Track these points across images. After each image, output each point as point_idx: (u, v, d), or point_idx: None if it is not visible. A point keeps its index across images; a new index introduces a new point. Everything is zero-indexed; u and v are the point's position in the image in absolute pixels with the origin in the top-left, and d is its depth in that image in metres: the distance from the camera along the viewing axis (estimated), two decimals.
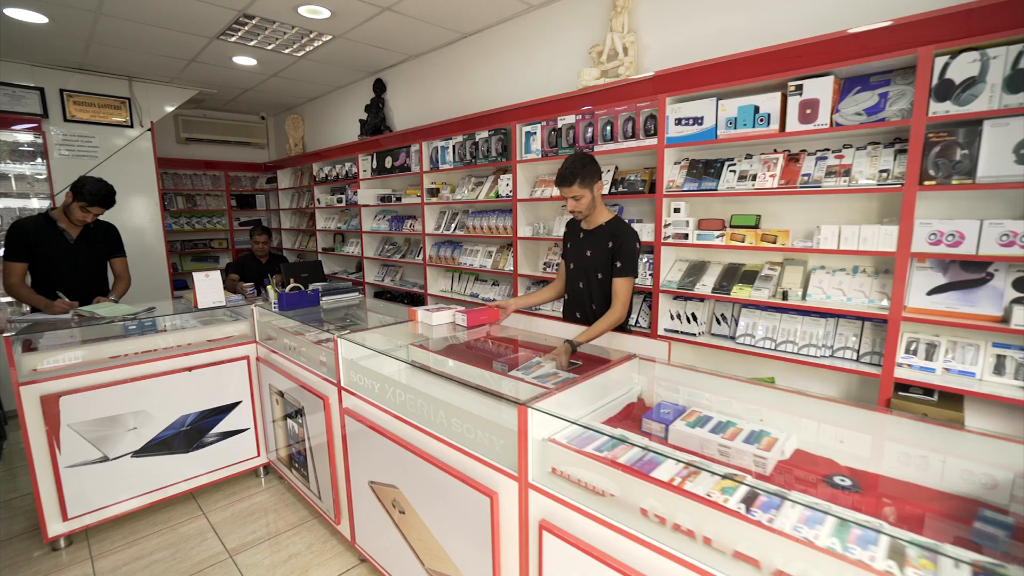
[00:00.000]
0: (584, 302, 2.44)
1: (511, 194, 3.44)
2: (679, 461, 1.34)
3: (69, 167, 4.58)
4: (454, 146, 3.82)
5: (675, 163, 2.73)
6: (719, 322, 2.71)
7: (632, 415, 1.77)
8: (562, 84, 3.31)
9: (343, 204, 5.15)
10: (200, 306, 2.99)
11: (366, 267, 4.96)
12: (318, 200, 5.53)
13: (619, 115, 2.82)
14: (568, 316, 2.54)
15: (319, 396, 2.41)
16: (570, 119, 3.05)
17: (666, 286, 2.74)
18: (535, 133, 3.25)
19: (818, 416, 1.69)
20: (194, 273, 2.99)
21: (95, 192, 2.94)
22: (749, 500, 1.20)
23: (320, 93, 5.65)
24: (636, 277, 2.26)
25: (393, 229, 4.62)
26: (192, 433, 2.86)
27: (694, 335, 2.73)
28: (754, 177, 2.41)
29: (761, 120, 2.32)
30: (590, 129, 2.98)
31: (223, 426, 2.99)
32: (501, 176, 3.53)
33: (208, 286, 3.03)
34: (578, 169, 2.15)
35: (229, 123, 6.32)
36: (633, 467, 1.36)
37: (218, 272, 3.08)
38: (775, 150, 2.45)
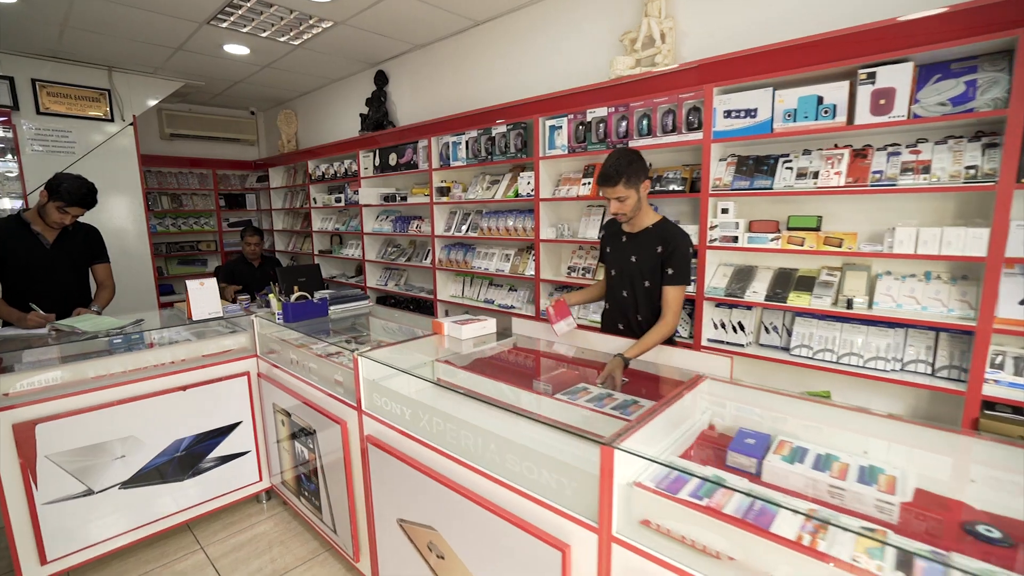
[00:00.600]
0: (628, 312, 2.21)
1: (533, 193, 3.20)
2: (797, 512, 1.12)
3: (43, 164, 4.21)
4: (467, 142, 3.56)
5: (719, 159, 2.52)
6: (768, 331, 2.50)
7: (709, 446, 1.54)
8: (588, 75, 3.08)
9: (342, 204, 4.86)
10: (195, 318, 2.69)
11: (368, 271, 4.68)
12: (314, 200, 5.23)
13: (658, 107, 2.59)
14: (609, 326, 2.31)
15: (335, 420, 2.14)
16: (601, 112, 2.81)
17: (711, 293, 2.53)
18: (560, 127, 3.01)
19: (920, 444, 1.48)
20: (188, 281, 2.69)
21: (73, 191, 2.64)
22: (905, 566, 0.99)
23: (315, 86, 5.34)
24: (689, 285, 2.05)
25: (397, 230, 4.34)
26: (188, 459, 2.57)
27: (741, 346, 2.52)
28: (815, 174, 2.21)
29: (825, 112, 2.11)
30: (624, 123, 2.76)
31: (222, 449, 2.71)
32: (521, 174, 3.28)
33: (203, 296, 2.74)
34: (624, 167, 1.94)
35: (217, 118, 5.97)
36: (745, 519, 1.14)
37: (213, 280, 2.79)
38: (835, 145, 2.25)
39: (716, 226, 2.48)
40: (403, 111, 4.45)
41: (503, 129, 3.32)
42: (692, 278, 2.55)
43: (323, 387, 2.25)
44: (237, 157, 6.33)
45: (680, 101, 2.52)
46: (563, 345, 2.40)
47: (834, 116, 2.09)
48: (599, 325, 2.98)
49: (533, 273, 3.31)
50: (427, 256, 4.15)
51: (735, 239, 2.43)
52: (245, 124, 6.23)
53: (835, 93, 2.09)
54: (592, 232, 3.07)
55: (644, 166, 2.01)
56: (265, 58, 4.36)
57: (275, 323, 2.66)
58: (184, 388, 2.54)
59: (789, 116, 2.20)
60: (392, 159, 4.20)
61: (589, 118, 2.86)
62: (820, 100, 2.12)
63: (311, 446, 2.38)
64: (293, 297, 2.67)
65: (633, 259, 2.13)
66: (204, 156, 6.01)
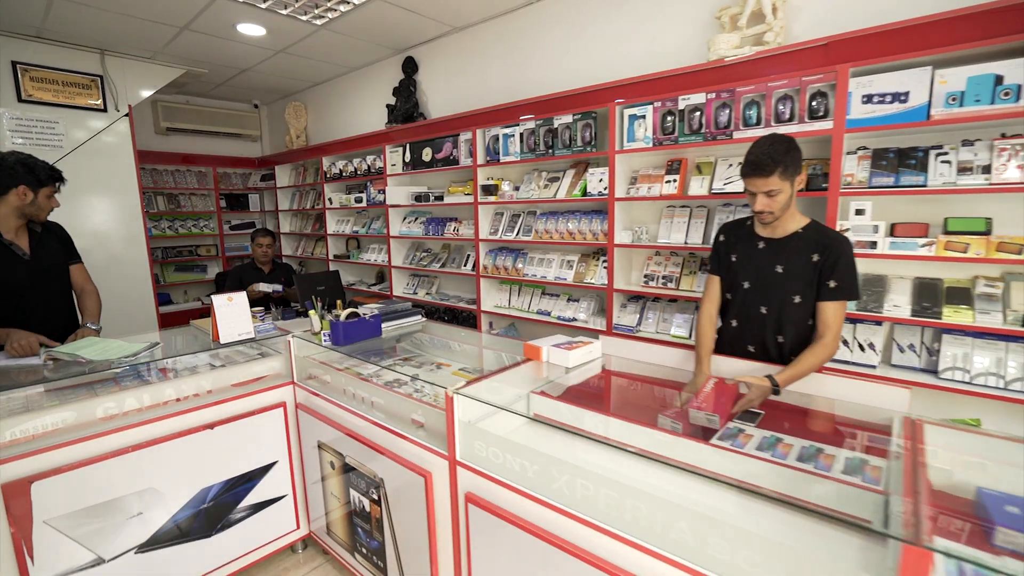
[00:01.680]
0: (766, 332, 1.85)
1: (606, 191, 2.81)
2: None
3: None
4: (522, 134, 3.16)
5: (846, 153, 2.17)
6: (902, 351, 2.16)
7: (944, 509, 1.17)
8: (675, 58, 2.71)
9: (363, 205, 4.41)
10: (223, 340, 2.25)
11: (394, 277, 4.24)
12: (329, 200, 4.76)
13: (773, 93, 2.23)
14: (733, 348, 1.94)
15: (417, 471, 1.72)
16: (697, 98, 2.44)
17: None
18: (643, 117, 2.63)
19: None
20: (214, 297, 2.24)
21: (50, 168, 2.22)
22: None
23: (330, 76, 4.88)
24: (858, 299, 1.69)
25: (431, 233, 3.92)
26: (216, 510, 2.13)
27: (872, 367, 2.17)
28: (985, 169, 1.86)
29: (1006, 95, 1.77)
30: (726, 111, 2.39)
31: (255, 495, 2.27)
32: (591, 170, 2.89)
33: (232, 314, 2.29)
34: (780, 154, 1.61)
35: (217, 111, 5.46)
36: None
37: (243, 296, 2.35)
38: (1003, 134, 1.91)
39: (848, 229, 2.13)
40: (436, 101, 4.03)
41: (568, 119, 2.93)
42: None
43: (393, 427, 1.83)
44: (239, 154, 5.82)
45: (804, 85, 2.16)
46: (665, 368, 2.02)
47: (1018, 98, 1.75)
48: (683, 340, 2.65)
49: (604, 282, 2.92)
50: (467, 262, 3.74)
51: (873, 244, 2.08)
52: (247, 118, 5.73)
53: (1019, 71, 1.75)
54: (677, 236, 2.70)
55: (801, 156, 1.66)
56: (281, 41, 3.90)
57: (316, 344, 2.25)
58: (211, 426, 2.10)
59: (954, 100, 1.85)
60: (426, 154, 3.78)
61: (683, 106, 2.49)
62: (999, 80, 1.78)
63: (375, 497, 1.95)
64: (343, 314, 2.24)
65: (779, 269, 1.77)
66: (203, 152, 5.50)
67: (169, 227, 5.25)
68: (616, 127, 2.72)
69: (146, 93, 4.25)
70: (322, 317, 2.35)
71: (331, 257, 4.89)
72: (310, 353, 2.37)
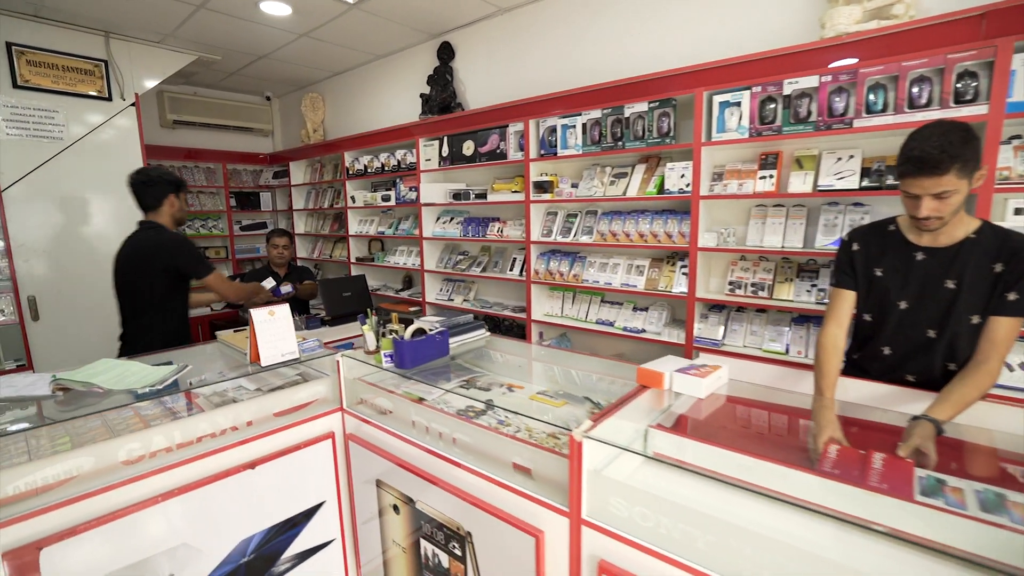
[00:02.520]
0: (934, 359, 1.53)
1: (689, 189, 2.50)
2: None
3: (21, 151, 3.33)
4: (584, 125, 2.84)
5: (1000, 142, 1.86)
6: None
7: None
8: (766, 38, 2.40)
9: (391, 203, 4.06)
10: (264, 362, 1.90)
11: (427, 282, 3.90)
12: (352, 198, 4.41)
13: (907, 74, 1.92)
14: (886, 374, 1.62)
15: (524, 529, 1.40)
16: (808, 82, 2.13)
17: None
18: (738, 103, 2.32)
19: None
20: (253, 311, 1.90)
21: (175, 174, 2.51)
22: None
23: (353, 64, 4.52)
24: None
25: (470, 234, 3.58)
26: (258, 564, 1.79)
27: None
28: None
29: None
30: (843, 96, 2.08)
31: (300, 543, 1.94)
32: (669, 164, 2.57)
33: (274, 331, 1.95)
34: (957, 147, 1.28)
35: (226, 103, 5.09)
36: None
37: (286, 308, 2.00)
38: None
39: None
40: (475, 91, 3.69)
41: (642, 107, 2.60)
42: None
43: (486, 472, 1.50)
44: (249, 149, 5.45)
45: (949, 63, 1.85)
46: (793, 394, 1.70)
47: None
48: (778, 355, 2.33)
49: (683, 290, 2.61)
50: (513, 266, 3.41)
51: None
52: (259, 111, 5.36)
53: None
54: (772, 239, 2.38)
55: (980, 147, 1.34)
56: (307, 23, 3.55)
57: (368, 364, 1.93)
58: (252, 465, 1.75)
59: None
60: (467, 148, 3.44)
61: (789, 91, 2.18)
62: None
63: (458, 552, 1.62)
64: (408, 332, 1.90)
65: (950, 284, 1.45)
66: (211, 147, 5.12)
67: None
68: (703, 116, 2.40)
69: (154, 81, 3.88)
70: (381, 334, 2.02)
71: (353, 260, 4.54)
72: (360, 374, 2.04)
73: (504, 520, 1.43)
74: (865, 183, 2.14)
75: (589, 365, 2.21)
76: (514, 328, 3.46)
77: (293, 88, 5.24)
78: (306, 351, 2.05)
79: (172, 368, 1.84)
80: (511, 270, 3.41)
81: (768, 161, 2.38)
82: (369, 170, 4.24)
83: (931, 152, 1.30)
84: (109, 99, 3.65)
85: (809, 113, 2.16)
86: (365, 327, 2.03)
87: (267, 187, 5.45)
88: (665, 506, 1.12)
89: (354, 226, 4.53)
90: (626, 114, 2.66)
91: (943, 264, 1.46)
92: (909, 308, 1.53)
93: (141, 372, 1.80)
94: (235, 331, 2.46)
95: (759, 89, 2.25)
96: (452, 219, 3.80)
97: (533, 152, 3.09)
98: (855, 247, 1.64)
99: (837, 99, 2.09)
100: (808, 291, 2.34)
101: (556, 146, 2.98)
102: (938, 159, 1.29)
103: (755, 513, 1.06)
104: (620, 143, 2.71)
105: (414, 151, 3.82)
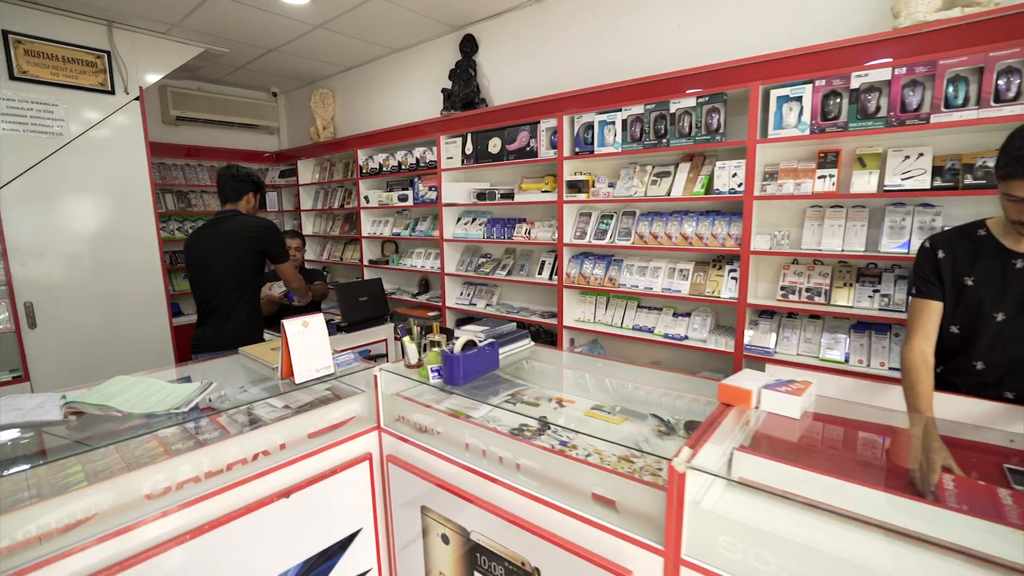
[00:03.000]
0: None
1: (740, 188, 2.36)
2: None
3: (18, 148, 3.12)
4: (625, 121, 2.70)
5: None
6: None
7: None
8: (828, 29, 2.27)
9: (409, 203, 3.90)
10: (299, 379, 1.74)
11: (447, 286, 3.74)
12: (365, 198, 4.24)
13: (995, 65, 1.80)
14: (980, 390, 1.48)
15: (609, 569, 1.25)
16: (879, 74, 2.00)
17: None
18: (798, 98, 2.19)
19: None
20: (285, 323, 1.72)
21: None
22: None
23: (368, 59, 4.34)
24: None
25: (495, 236, 3.43)
26: None
27: None
28: None
29: None
30: (918, 89, 1.95)
31: (336, 575, 1.77)
32: (720, 163, 2.44)
33: (309, 344, 1.78)
34: None
35: (231, 99, 4.89)
36: None
37: (320, 319, 1.84)
38: None
39: None
40: (500, 85, 3.53)
41: (689, 103, 2.47)
42: None
43: (559, 502, 1.35)
44: (255, 147, 5.25)
45: None
46: (881, 410, 1.56)
47: None
48: (838, 364, 2.20)
49: (732, 295, 2.47)
50: (542, 269, 3.26)
51: None
52: (265, 107, 5.17)
53: None
54: (831, 242, 2.25)
55: None
56: (324, 12, 3.37)
57: (406, 378, 1.78)
58: (287, 494, 1.59)
59: None
60: (494, 145, 3.29)
61: (855, 84, 2.05)
62: None
63: None
64: (459, 345, 1.74)
65: None
66: (215, 145, 4.92)
67: (179, 228, 4.66)
68: (759, 111, 2.27)
69: (158, 75, 3.68)
70: (425, 347, 1.86)
71: (366, 263, 4.36)
72: (397, 389, 1.88)
73: (583, 557, 1.28)
74: (937, 182, 2.01)
75: (637, 375, 2.07)
76: (541, 334, 3.31)
77: (301, 83, 5.05)
78: (341, 365, 1.88)
79: (195, 387, 1.66)
80: (540, 273, 3.27)
81: (828, 160, 2.25)
82: (384, 169, 4.07)
83: None
84: (112, 92, 3.45)
85: (879, 108, 2.04)
86: (406, 339, 1.87)
87: (273, 187, 5.26)
88: (784, 546, 0.98)
89: (367, 227, 4.36)
90: (671, 110, 2.52)
91: None
92: (1007, 320, 1.41)
93: (161, 392, 1.62)
94: (266, 344, 2.30)
95: (823, 83, 2.12)
96: (474, 220, 3.64)
97: (567, 150, 2.94)
98: (941, 254, 1.51)
99: (911, 93, 1.97)
100: (870, 296, 2.22)
101: (593, 143, 2.83)
102: None
103: (876, 552, 0.93)
104: (664, 140, 2.57)
105: (434, 149, 3.66)
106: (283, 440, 1.67)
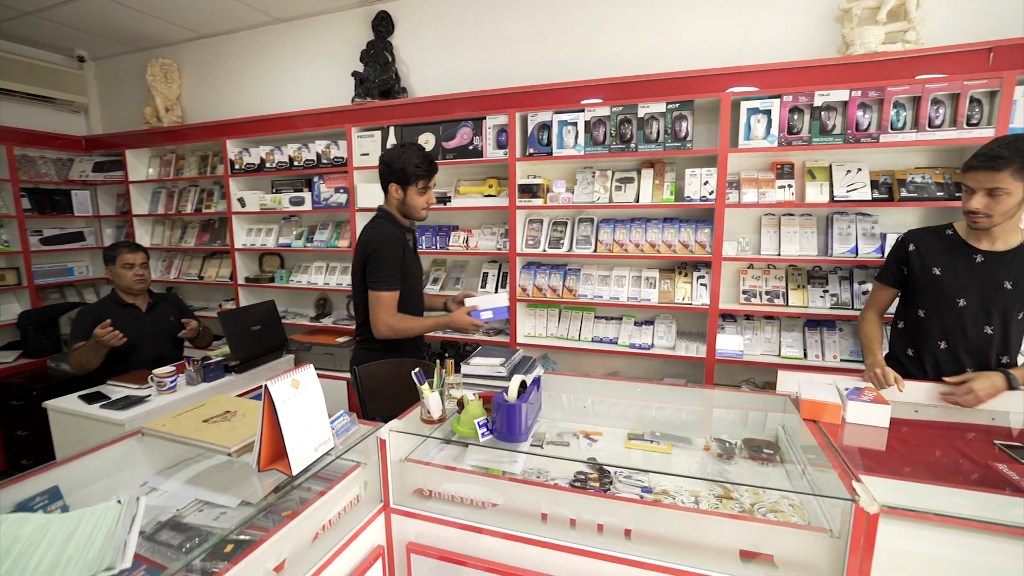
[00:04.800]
0: (990, 353, 1.67)
1: (712, 196, 2.39)
2: None
3: None
4: (588, 123, 2.55)
5: None
6: None
7: None
8: (787, 49, 2.41)
9: (306, 207, 3.22)
10: (297, 468, 1.20)
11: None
12: (240, 201, 3.38)
13: (929, 95, 2.08)
14: (942, 372, 1.69)
15: None
16: (838, 95, 2.18)
17: None
18: (767, 112, 2.28)
19: None
20: (270, 385, 1.17)
21: (419, 160, 1.91)
22: None
23: (238, 26, 3.46)
24: None
25: (424, 246, 3.00)
26: None
27: None
28: None
29: None
30: (868, 111, 2.18)
31: None
32: (691, 171, 2.43)
33: (304, 412, 1.25)
34: (1018, 153, 1.44)
35: (17, 62, 3.50)
36: None
37: (311, 371, 1.31)
38: None
39: None
40: (424, 75, 3.09)
41: (659, 107, 2.42)
42: None
43: (695, 569, 1.14)
44: (51, 128, 3.84)
45: (964, 89, 2.04)
46: (912, 405, 1.67)
47: None
48: (797, 360, 2.36)
49: (703, 301, 2.50)
50: (484, 281, 2.94)
51: None
52: (67, 76, 3.82)
53: None
54: (790, 248, 2.42)
55: None
56: None
57: (420, 436, 1.41)
58: None
59: None
60: (426, 142, 2.86)
61: (820, 102, 2.21)
62: None
63: None
64: (513, 387, 1.37)
65: (1007, 285, 1.59)
66: None
67: None
68: (730, 121, 2.32)
69: None
70: (458, 403, 1.45)
71: (241, 281, 3.49)
72: (404, 453, 1.45)
73: None
74: (876, 195, 2.28)
75: (636, 393, 1.92)
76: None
77: (126, 48, 3.84)
78: (340, 434, 1.36)
79: (116, 516, 1.02)
80: (483, 286, 2.94)
81: (784, 171, 2.41)
82: (268, 165, 3.29)
83: (996, 150, 1.45)
84: None
85: (835, 125, 2.22)
86: (424, 387, 1.43)
87: (83, 183, 3.91)
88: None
89: (241, 238, 3.49)
90: (640, 114, 2.45)
91: (1001, 266, 1.60)
92: (967, 306, 1.64)
93: (72, 545, 0.95)
94: (189, 418, 1.60)
95: (790, 98, 2.25)
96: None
97: (519, 151, 2.69)
98: (911, 247, 1.74)
99: (863, 114, 2.19)
100: (822, 296, 2.42)
101: (551, 144, 2.63)
102: (997, 154, 1.44)
103: None
104: (632, 145, 2.49)
105: (342, 143, 3.07)
106: (275, 561, 1.12)
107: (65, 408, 2.14)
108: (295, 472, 1.17)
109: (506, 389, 1.42)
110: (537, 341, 2.82)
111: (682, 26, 2.56)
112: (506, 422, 1.32)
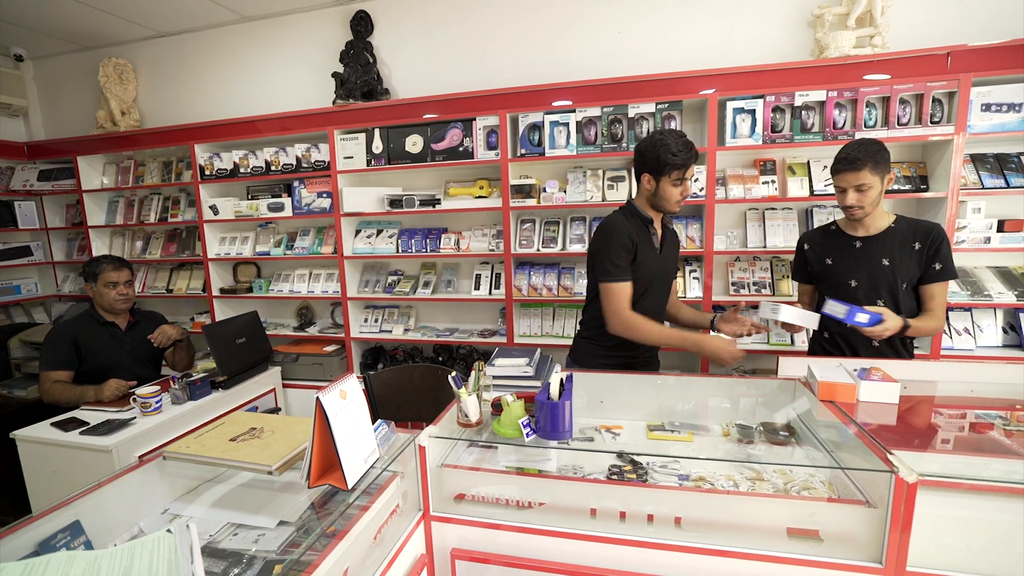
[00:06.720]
0: None
1: (702, 192, 2.49)
2: None
3: None
4: (579, 123, 2.59)
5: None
6: (1007, 332, 2.43)
7: None
8: (764, 51, 2.53)
9: (286, 213, 3.10)
10: (352, 481, 1.16)
11: (351, 312, 3.08)
12: (212, 209, 3.21)
13: (897, 96, 2.25)
14: (856, 348, 1.88)
15: None
16: (816, 95, 2.32)
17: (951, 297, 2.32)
18: (752, 111, 2.40)
19: None
20: (322, 397, 1.13)
21: (676, 149, 1.72)
22: None
23: (202, 24, 3.27)
24: (956, 277, 1.85)
25: (413, 250, 2.96)
26: None
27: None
28: None
29: None
30: (843, 111, 2.33)
31: None
32: None
33: (352, 424, 1.21)
34: (873, 151, 1.70)
35: None
36: None
37: (354, 380, 1.27)
38: None
39: (965, 227, 2.29)
40: (406, 75, 3.04)
41: (649, 108, 2.50)
42: None
43: (746, 550, 1.20)
44: None
45: (928, 90, 2.23)
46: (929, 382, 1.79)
47: None
48: (785, 346, 2.49)
49: (697, 294, 2.59)
50: (478, 283, 2.93)
51: (987, 240, 2.27)
52: (3, 77, 3.49)
53: None
54: (775, 240, 2.55)
55: (889, 157, 1.75)
56: None
57: (452, 440, 1.41)
58: None
59: None
60: (413, 144, 2.82)
61: (800, 102, 2.34)
62: None
63: None
64: (555, 385, 1.38)
65: (885, 262, 1.81)
66: None
67: None
68: (717, 120, 2.42)
69: None
70: (492, 405, 1.44)
71: (216, 293, 3.31)
72: (439, 459, 1.45)
73: None
74: None
75: (644, 385, 1.97)
76: (474, 355, 2.98)
77: (72, 48, 3.56)
78: (382, 444, 1.33)
79: (172, 547, 0.96)
80: (477, 288, 2.93)
81: (767, 167, 2.54)
82: (243, 170, 3.14)
83: (853, 152, 1.70)
84: None
85: (814, 124, 2.37)
86: (462, 391, 1.42)
87: (27, 193, 3.59)
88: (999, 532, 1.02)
89: (214, 247, 3.32)
90: (630, 114, 2.52)
91: (878, 247, 1.82)
92: (858, 285, 1.85)
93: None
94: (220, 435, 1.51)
95: (772, 98, 2.37)
96: (380, 232, 3.08)
97: (511, 151, 2.70)
98: (806, 247, 1.99)
99: (839, 113, 2.34)
100: None
101: (542, 145, 2.65)
102: (857, 156, 1.69)
103: None
104: (622, 144, 2.55)
105: (323, 147, 2.97)
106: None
107: (37, 437, 1.98)
108: (350, 485, 1.13)
109: (544, 388, 1.43)
110: (532, 340, 2.84)
111: (668, 29, 2.65)
112: (551, 420, 1.33)
